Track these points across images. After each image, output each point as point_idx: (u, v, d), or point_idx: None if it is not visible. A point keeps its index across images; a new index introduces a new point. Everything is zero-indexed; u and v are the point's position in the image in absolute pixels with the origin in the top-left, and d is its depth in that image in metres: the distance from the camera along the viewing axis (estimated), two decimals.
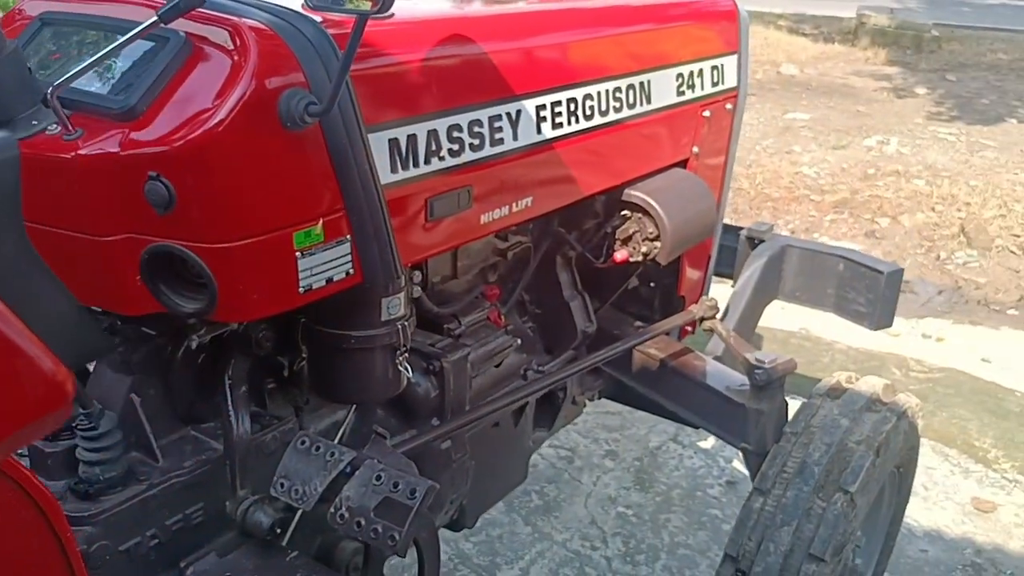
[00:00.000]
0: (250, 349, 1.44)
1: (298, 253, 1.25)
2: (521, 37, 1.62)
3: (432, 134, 1.41)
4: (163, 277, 1.22)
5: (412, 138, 1.38)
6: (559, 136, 1.68)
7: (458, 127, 1.45)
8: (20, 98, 1.16)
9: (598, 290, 2.26)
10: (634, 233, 2.02)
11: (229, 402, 1.42)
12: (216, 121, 1.13)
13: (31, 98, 1.17)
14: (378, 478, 1.31)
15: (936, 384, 3.80)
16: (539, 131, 1.63)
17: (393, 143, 1.35)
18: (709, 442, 3.32)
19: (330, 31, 1.25)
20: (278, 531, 1.41)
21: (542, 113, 1.63)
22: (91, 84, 1.21)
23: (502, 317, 1.96)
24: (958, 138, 7.27)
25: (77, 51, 1.28)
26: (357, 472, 1.32)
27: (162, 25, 1.13)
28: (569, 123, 1.70)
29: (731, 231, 2.68)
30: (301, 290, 1.27)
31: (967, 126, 7.68)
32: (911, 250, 5.21)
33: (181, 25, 1.19)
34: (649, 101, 1.92)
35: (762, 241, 2.65)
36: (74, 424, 1.33)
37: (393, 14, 1.41)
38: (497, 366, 1.95)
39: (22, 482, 0.86)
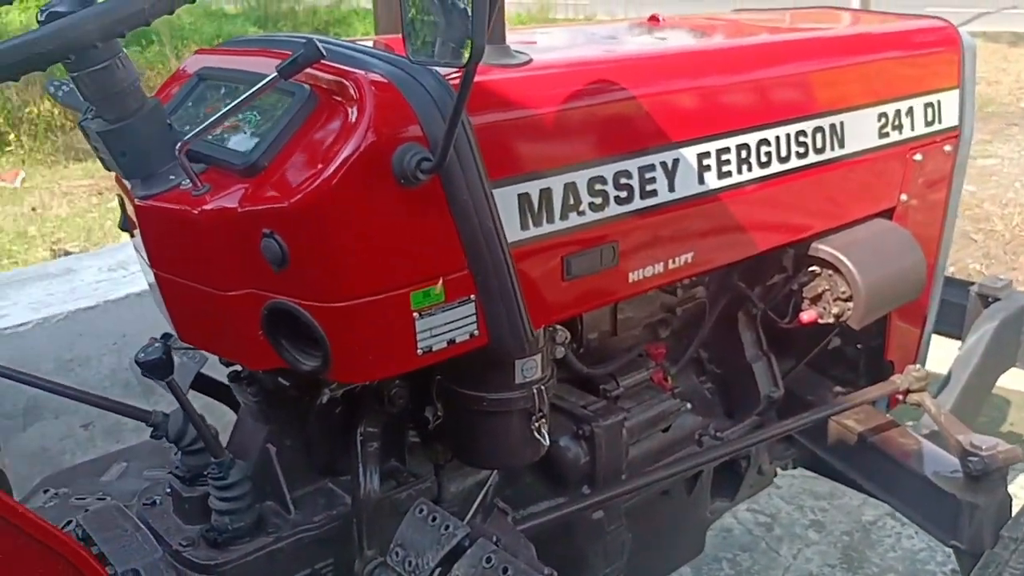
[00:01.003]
0: (382, 406, 1.41)
1: (416, 313, 1.19)
2: (681, 78, 1.49)
3: (569, 188, 1.31)
4: (284, 333, 1.21)
5: (546, 192, 1.29)
6: (727, 186, 1.52)
7: (601, 179, 1.35)
8: (158, 154, 1.20)
9: (789, 350, 2.05)
10: (824, 292, 1.80)
11: (360, 459, 1.39)
12: (327, 178, 1.10)
13: (170, 153, 1.20)
14: (488, 560, 1.22)
15: None
16: (701, 181, 1.48)
17: (523, 198, 1.26)
18: None
19: (453, 82, 1.19)
20: None
21: (705, 162, 1.48)
22: (224, 139, 1.23)
23: (669, 378, 1.81)
24: None
25: (221, 105, 1.30)
26: (469, 551, 1.24)
27: (283, 80, 1.13)
28: (740, 171, 1.54)
29: (957, 285, 2.36)
30: (420, 352, 1.22)
31: None
32: None
33: (309, 78, 1.19)
34: (842, 145, 1.71)
35: (997, 299, 2.31)
36: (206, 472, 1.35)
37: (530, 60, 1.34)
38: (665, 431, 1.80)
39: (76, 561, 0.86)
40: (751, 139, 1.55)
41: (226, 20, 11.10)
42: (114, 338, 2.65)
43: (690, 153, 1.46)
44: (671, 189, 1.44)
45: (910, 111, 1.84)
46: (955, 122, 1.96)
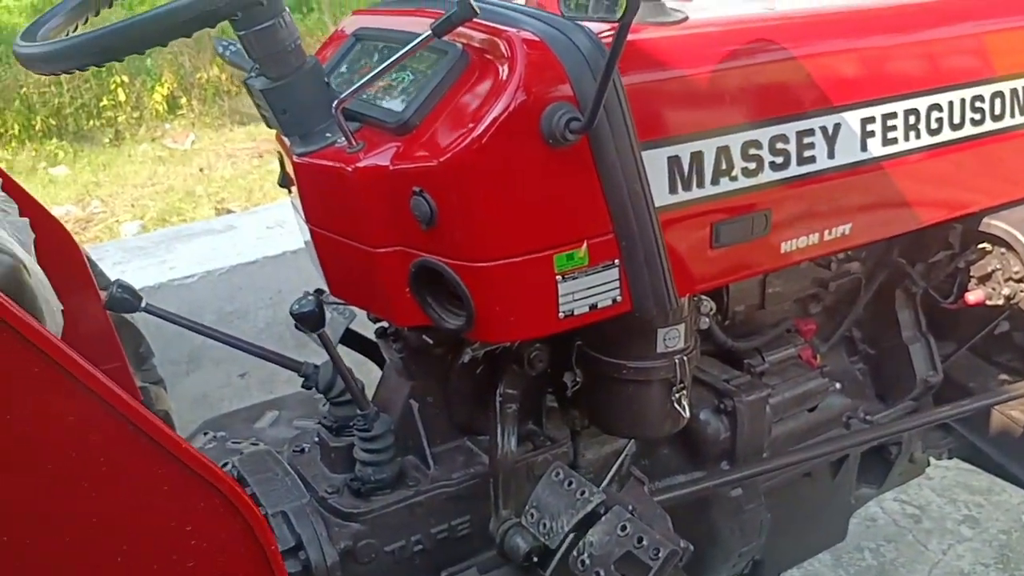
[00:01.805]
0: (522, 368, 1.41)
1: (559, 276, 1.19)
2: (846, 38, 1.40)
3: (722, 151, 1.26)
4: (430, 291, 1.23)
5: (697, 156, 1.24)
6: (891, 154, 1.43)
7: (756, 143, 1.29)
8: (316, 112, 1.23)
9: (950, 333, 1.92)
10: (994, 271, 1.68)
11: (498, 420, 1.40)
12: (476, 137, 1.10)
13: (327, 111, 1.23)
14: (623, 528, 1.21)
15: None
16: (864, 148, 1.40)
17: (673, 161, 1.23)
18: None
19: (606, 41, 1.16)
20: (534, 559, 1.37)
21: (869, 127, 1.40)
22: (379, 98, 1.25)
23: (818, 356, 1.73)
24: None
25: (375, 65, 1.32)
26: (604, 517, 1.23)
27: (436, 39, 1.13)
28: (907, 139, 1.44)
29: None
30: (561, 315, 1.21)
31: None
32: None
33: (461, 36, 1.19)
34: (1023, 112, 1.57)
35: None
36: (352, 423, 1.40)
37: (686, 17, 1.29)
38: (811, 410, 1.73)
39: (232, 497, 0.90)
40: (921, 104, 1.45)
41: None
42: (270, 293, 2.78)
43: (853, 118, 1.38)
44: (831, 156, 1.37)
45: None
46: None
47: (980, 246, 1.69)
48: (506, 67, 1.13)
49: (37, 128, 7.11)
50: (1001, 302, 1.69)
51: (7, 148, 6.94)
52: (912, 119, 1.44)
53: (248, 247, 2.83)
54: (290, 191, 1.43)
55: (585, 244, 1.19)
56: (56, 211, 5.30)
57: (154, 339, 1.98)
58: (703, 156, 1.25)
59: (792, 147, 1.32)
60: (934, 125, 1.47)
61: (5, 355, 0.85)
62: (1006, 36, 1.56)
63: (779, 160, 1.32)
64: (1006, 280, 1.66)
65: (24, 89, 7.26)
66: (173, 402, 2.15)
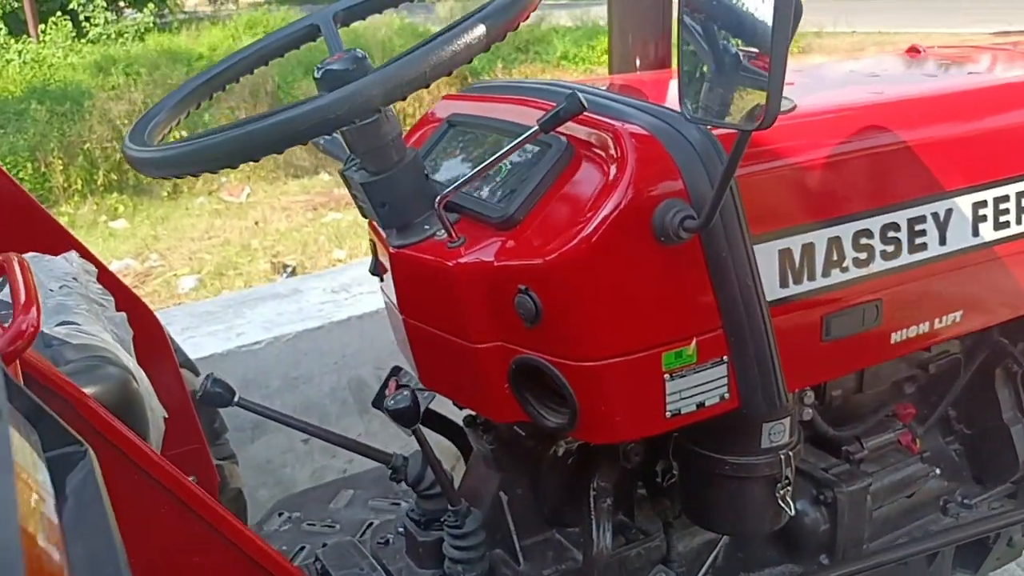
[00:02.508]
0: (617, 460, 1.36)
1: (667, 375, 1.14)
2: (955, 121, 1.35)
3: (834, 242, 1.22)
4: (530, 388, 1.19)
5: (808, 248, 1.20)
6: (1003, 238, 1.37)
7: (867, 232, 1.24)
8: (416, 204, 1.21)
9: None
10: None
11: (592, 513, 1.35)
12: (586, 235, 1.07)
13: (426, 204, 1.21)
14: None
15: None
16: (976, 233, 1.34)
17: (784, 254, 1.18)
18: None
19: (717, 132, 1.13)
20: None
21: (981, 212, 1.34)
22: (478, 190, 1.22)
23: (917, 441, 1.66)
24: None
25: (474, 154, 1.30)
26: None
27: (543, 134, 1.11)
28: (1019, 222, 1.39)
29: None
30: (668, 414, 1.16)
31: None
32: None
33: (564, 128, 1.16)
34: None
35: None
36: (443, 519, 1.35)
37: (795, 106, 1.25)
38: (909, 496, 1.65)
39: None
40: None
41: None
42: (335, 358, 2.77)
43: (964, 203, 1.33)
44: (942, 242, 1.31)
45: None
46: None
47: None
48: (615, 163, 1.10)
49: (99, 182, 7.27)
50: None
51: (70, 202, 7.11)
52: (1023, 201, 1.38)
53: (314, 311, 2.83)
54: (382, 279, 1.41)
55: (694, 341, 1.14)
56: (115, 265, 5.39)
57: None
58: (814, 248, 1.20)
59: (904, 235, 1.27)
60: None
61: (113, 477, 0.83)
62: None
63: (890, 249, 1.27)
64: None
65: (87, 144, 7.44)
66: (238, 468, 2.13)
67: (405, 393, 1.29)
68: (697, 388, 1.17)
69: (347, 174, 1.24)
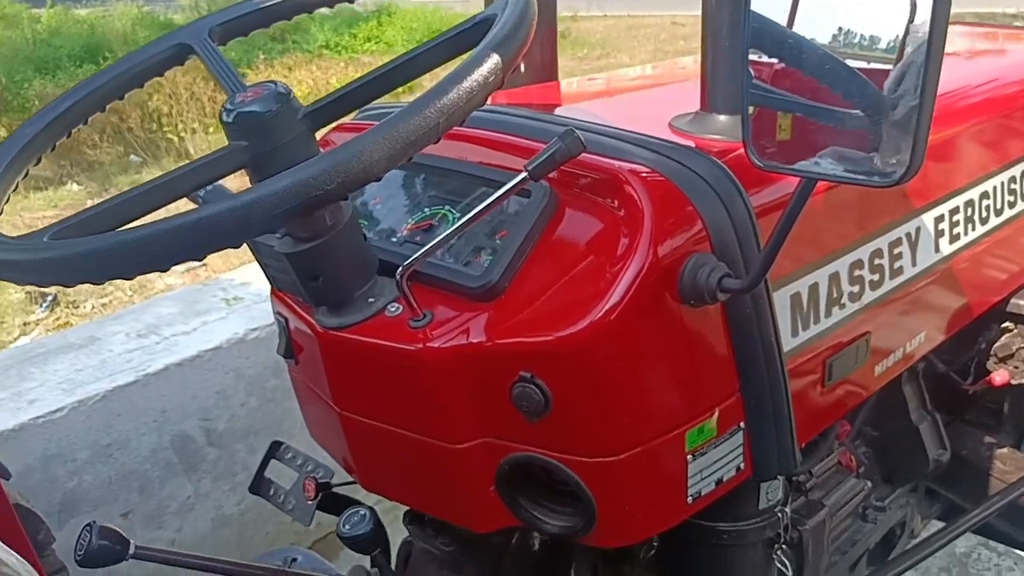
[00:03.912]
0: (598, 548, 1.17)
1: (689, 456, 0.96)
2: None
3: (834, 279, 1.09)
4: (525, 490, 0.97)
5: (814, 288, 1.06)
6: (955, 251, 1.32)
7: (859, 263, 1.13)
8: (357, 274, 0.94)
9: (948, 406, 1.86)
10: (1018, 350, 1.61)
11: None
12: (609, 305, 0.86)
13: (368, 273, 0.95)
14: None
15: None
16: (937, 249, 1.28)
17: (795, 299, 1.04)
18: None
19: (725, 161, 0.96)
20: None
21: (940, 226, 1.28)
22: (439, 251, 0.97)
23: (853, 457, 1.60)
24: None
25: (417, 206, 1.04)
26: None
27: (532, 181, 0.88)
28: (966, 232, 1.34)
29: None
30: (690, 499, 0.99)
31: None
32: None
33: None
34: None
35: None
36: None
37: None
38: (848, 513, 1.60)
39: None
40: (975, 194, 1.35)
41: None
42: (153, 415, 2.36)
43: (929, 218, 1.25)
44: (914, 263, 1.23)
45: None
46: None
47: (1003, 325, 1.62)
48: (625, 212, 0.90)
49: None
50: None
51: None
52: (969, 211, 1.34)
53: (121, 363, 2.40)
54: (297, 361, 1.11)
55: (716, 412, 0.97)
56: None
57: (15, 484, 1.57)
58: (819, 288, 1.07)
59: (886, 261, 1.17)
60: (984, 213, 1.37)
61: None
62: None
63: (876, 277, 1.16)
64: None
65: None
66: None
67: (362, 513, 1.02)
68: (717, 463, 1.00)
69: (258, 239, 0.94)
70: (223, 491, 2.52)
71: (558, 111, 1.30)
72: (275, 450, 1.37)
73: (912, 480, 1.80)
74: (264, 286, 1.32)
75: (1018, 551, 2.84)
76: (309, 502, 1.18)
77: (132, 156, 7.19)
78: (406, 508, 1.21)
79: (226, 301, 2.75)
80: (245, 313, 2.55)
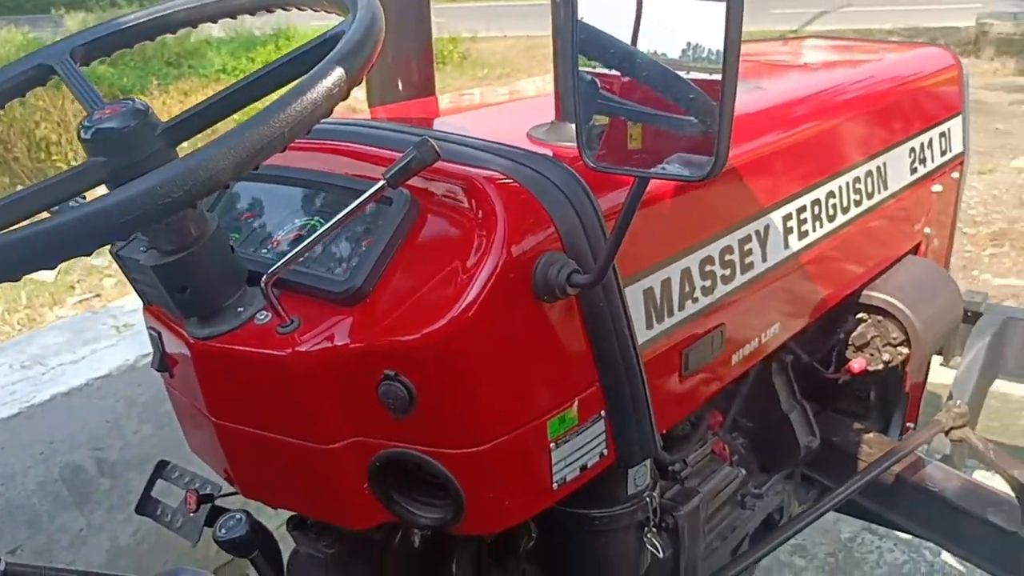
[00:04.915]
0: (479, 538, 1.22)
1: (552, 444, 1.02)
2: (767, 135, 1.37)
3: (685, 274, 1.16)
4: (396, 485, 1.00)
5: (666, 283, 1.14)
6: (805, 247, 1.42)
7: (710, 259, 1.21)
8: (225, 284, 0.97)
9: (817, 395, 1.97)
10: (872, 338, 1.73)
11: None
12: (465, 304, 0.91)
13: (236, 283, 0.97)
14: None
15: None
16: (787, 245, 1.37)
17: (648, 294, 1.11)
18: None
19: (576, 167, 1.02)
20: None
21: (789, 224, 1.37)
22: (304, 259, 1.00)
23: (727, 447, 1.69)
24: None
25: (280, 216, 1.08)
26: None
27: (390, 189, 0.93)
28: (814, 229, 1.44)
29: None
30: (555, 485, 1.04)
31: None
32: None
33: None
34: (886, 186, 1.64)
35: (979, 315, 2.32)
36: None
37: None
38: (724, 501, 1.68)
39: None
40: (821, 193, 1.45)
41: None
42: (41, 447, 2.30)
43: (777, 216, 1.34)
44: (764, 259, 1.32)
45: (930, 143, 1.80)
46: (960, 148, 1.93)
47: (858, 316, 1.73)
48: (481, 216, 0.95)
49: None
50: (880, 367, 1.74)
51: None
52: (816, 209, 1.44)
53: (4, 395, 2.33)
54: (172, 375, 1.13)
55: (576, 402, 1.03)
56: None
57: None
58: (671, 283, 1.14)
59: (736, 257, 1.26)
60: (830, 211, 1.48)
61: None
62: (867, 117, 1.61)
63: (728, 272, 1.24)
64: (884, 345, 1.72)
65: None
66: None
67: (238, 516, 1.04)
68: (580, 451, 1.06)
69: (124, 255, 0.96)
70: (118, 521, 2.46)
71: (428, 124, 1.35)
72: (161, 470, 1.37)
73: (786, 467, 1.89)
74: None
75: (898, 533, 3.00)
76: (192, 514, 1.19)
77: (19, 187, 6.95)
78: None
79: (116, 328, 2.70)
80: (136, 339, 2.50)
